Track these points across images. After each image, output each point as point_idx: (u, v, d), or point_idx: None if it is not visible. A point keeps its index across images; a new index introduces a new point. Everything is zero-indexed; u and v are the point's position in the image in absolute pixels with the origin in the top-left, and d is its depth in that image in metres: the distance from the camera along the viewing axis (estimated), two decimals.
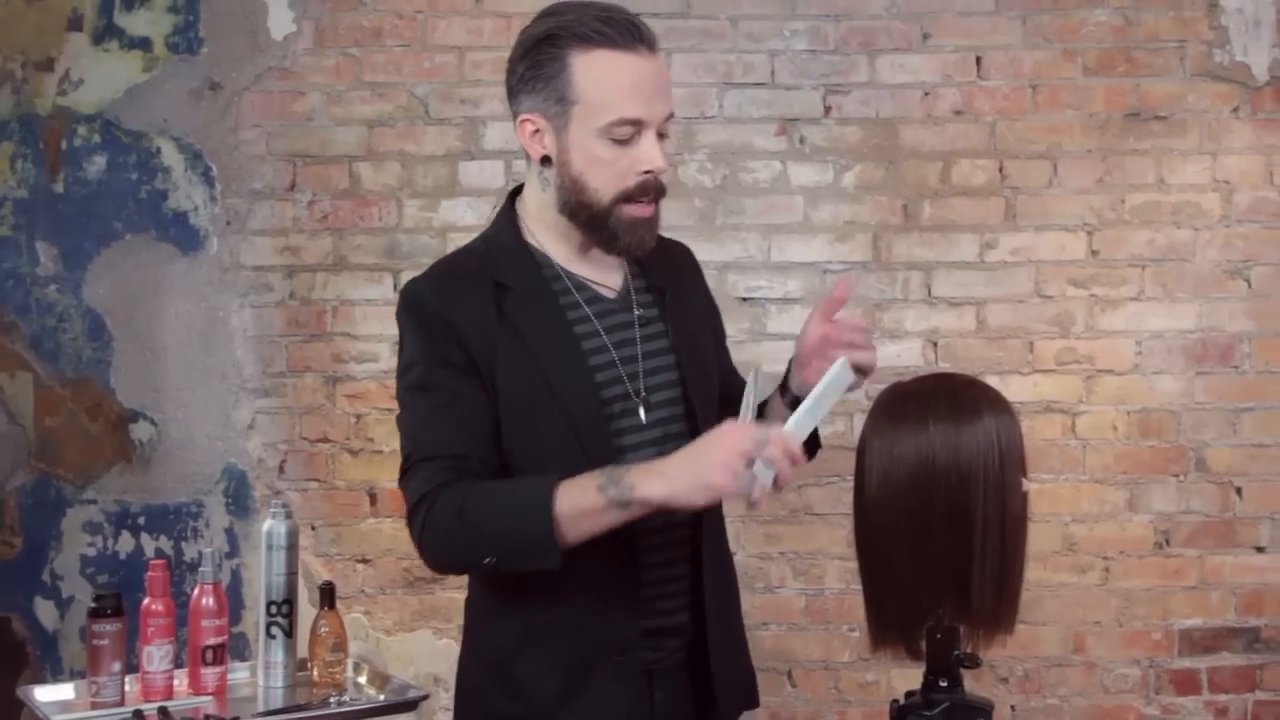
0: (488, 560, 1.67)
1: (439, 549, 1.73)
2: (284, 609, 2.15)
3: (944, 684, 1.58)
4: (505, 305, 1.75)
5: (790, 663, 3.35)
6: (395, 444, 3.36)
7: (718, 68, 3.37)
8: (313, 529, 3.32)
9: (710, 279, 2.07)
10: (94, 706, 2.03)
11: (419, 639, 3.34)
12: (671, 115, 1.77)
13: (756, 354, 3.27)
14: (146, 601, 2.10)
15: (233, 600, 3.16)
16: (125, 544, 3.33)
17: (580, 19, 1.72)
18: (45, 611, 3.33)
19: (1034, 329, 3.36)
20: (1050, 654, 3.36)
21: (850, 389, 1.73)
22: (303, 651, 2.19)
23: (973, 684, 1.65)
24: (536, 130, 1.76)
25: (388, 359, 3.31)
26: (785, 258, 3.36)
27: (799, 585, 3.36)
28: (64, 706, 2.07)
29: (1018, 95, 3.37)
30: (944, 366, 3.31)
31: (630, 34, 1.72)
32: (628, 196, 1.74)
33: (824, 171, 3.37)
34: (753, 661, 1.95)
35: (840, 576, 3.33)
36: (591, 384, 1.76)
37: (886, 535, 1.58)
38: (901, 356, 3.32)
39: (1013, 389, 3.28)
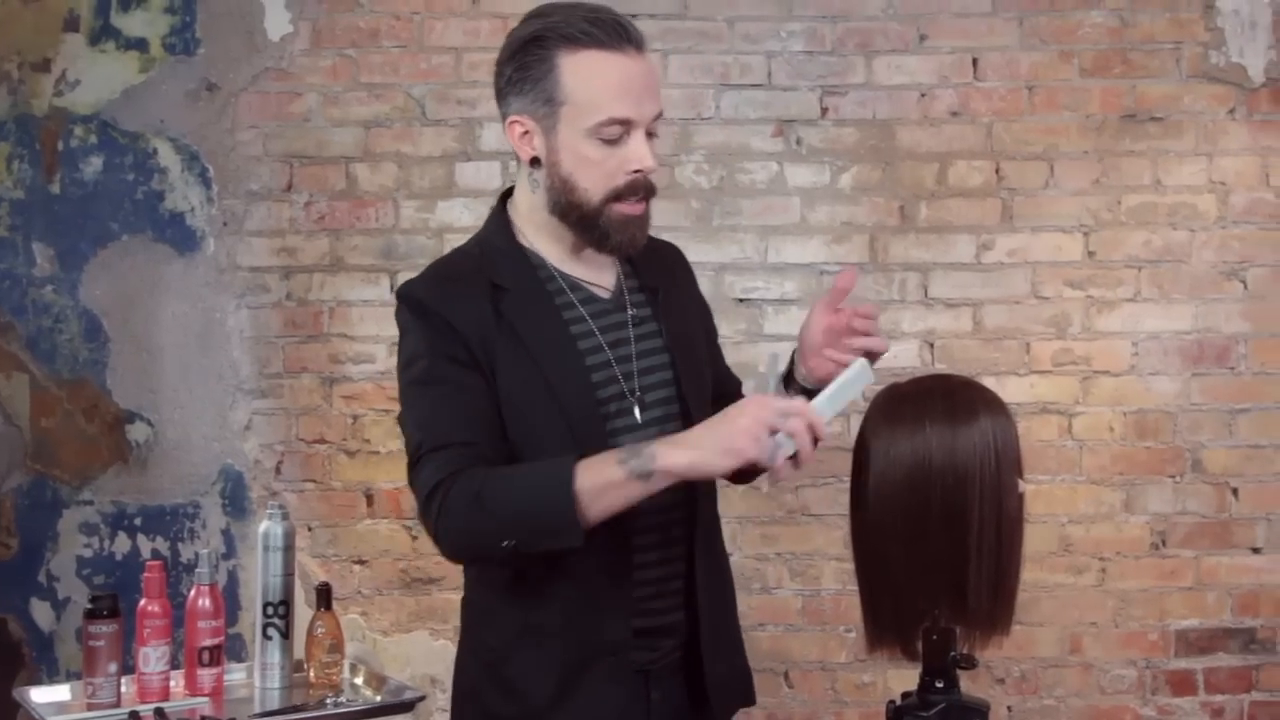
0: (506, 544, 1.65)
1: (456, 536, 1.69)
2: (280, 610, 2.15)
3: (940, 685, 1.58)
4: (502, 306, 1.75)
5: (787, 663, 3.36)
6: (392, 445, 3.38)
7: (714, 69, 3.37)
8: (309, 530, 3.32)
9: (707, 280, 2.08)
10: (90, 708, 2.03)
11: (415, 640, 3.34)
12: (660, 114, 1.77)
13: (753, 355, 3.27)
14: (143, 603, 2.09)
15: (229, 601, 3.15)
16: (121, 545, 3.33)
17: (567, 20, 1.72)
18: (41, 613, 3.33)
19: (1030, 330, 3.36)
20: (1047, 655, 3.36)
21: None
22: (299, 653, 2.19)
23: (969, 685, 1.65)
24: (525, 131, 1.76)
25: (384, 360, 3.31)
26: (782, 259, 3.36)
27: (796, 586, 3.36)
28: (60, 708, 2.07)
29: (1014, 96, 3.37)
30: (940, 368, 3.32)
31: (617, 34, 1.72)
32: (617, 195, 1.74)
33: (821, 173, 3.37)
34: (749, 661, 1.95)
35: (837, 577, 3.33)
36: (589, 384, 1.77)
37: (883, 536, 1.58)
38: (898, 358, 3.32)
39: (1009, 390, 3.28)
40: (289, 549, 2.17)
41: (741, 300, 3.35)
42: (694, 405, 1.82)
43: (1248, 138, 3.36)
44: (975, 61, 3.38)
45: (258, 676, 2.16)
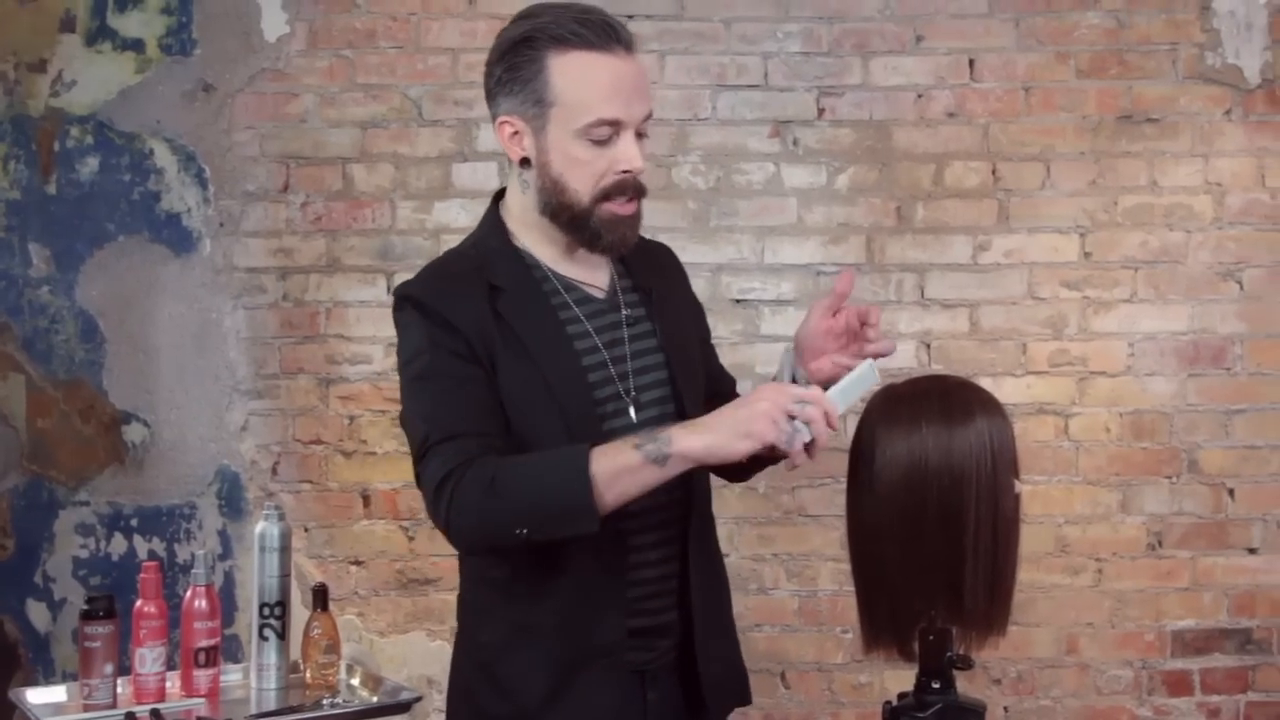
0: (520, 531, 1.64)
1: (469, 525, 1.67)
2: (277, 611, 2.15)
3: (937, 685, 1.58)
4: (500, 306, 1.76)
5: (783, 664, 3.36)
6: (389, 445, 3.38)
7: (711, 70, 3.37)
8: (306, 531, 3.32)
9: (703, 281, 2.08)
10: (86, 709, 2.03)
11: (412, 641, 3.33)
12: (650, 115, 1.77)
13: (750, 356, 3.28)
14: (139, 603, 2.10)
15: (225, 602, 3.14)
16: (118, 546, 3.33)
17: (557, 21, 1.72)
18: (37, 613, 3.33)
19: (1027, 331, 3.37)
20: (1043, 655, 3.36)
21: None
22: (295, 654, 2.19)
23: (965, 685, 1.65)
24: (515, 132, 1.76)
25: (381, 361, 3.31)
26: (778, 260, 3.36)
27: (792, 587, 3.36)
28: (56, 709, 2.07)
29: (1011, 97, 3.38)
30: (937, 368, 3.32)
31: (607, 35, 1.72)
32: (606, 195, 1.74)
33: (817, 173, 3.37)
34: (744, 661, 1.95)
35: (833, 578, 3.33)
36: (585, 384, 1.77)
37: (879, 537, 1.58)
38: (894, 358, 3.30)
39: (1005, 391, 3.28)
40: (285, 550, 2.17)
41: (738, 301, 3.35)
42: (689, 404, 1.82)
43: (1244, 139, 3.37)
44: (972, 62, 3.38)
45: (254, 677, 2.16)
